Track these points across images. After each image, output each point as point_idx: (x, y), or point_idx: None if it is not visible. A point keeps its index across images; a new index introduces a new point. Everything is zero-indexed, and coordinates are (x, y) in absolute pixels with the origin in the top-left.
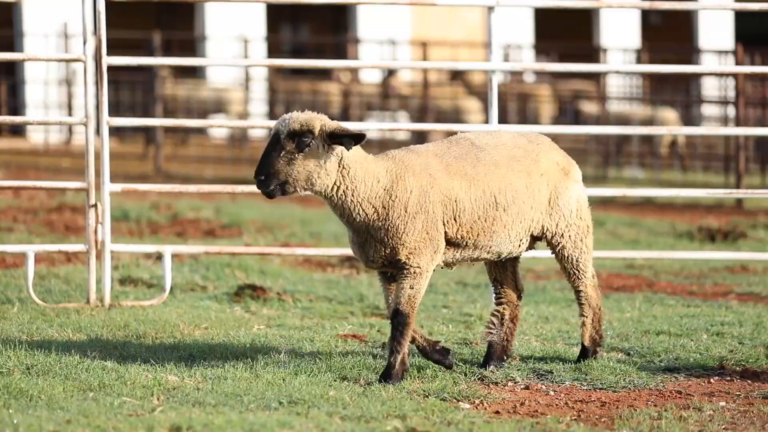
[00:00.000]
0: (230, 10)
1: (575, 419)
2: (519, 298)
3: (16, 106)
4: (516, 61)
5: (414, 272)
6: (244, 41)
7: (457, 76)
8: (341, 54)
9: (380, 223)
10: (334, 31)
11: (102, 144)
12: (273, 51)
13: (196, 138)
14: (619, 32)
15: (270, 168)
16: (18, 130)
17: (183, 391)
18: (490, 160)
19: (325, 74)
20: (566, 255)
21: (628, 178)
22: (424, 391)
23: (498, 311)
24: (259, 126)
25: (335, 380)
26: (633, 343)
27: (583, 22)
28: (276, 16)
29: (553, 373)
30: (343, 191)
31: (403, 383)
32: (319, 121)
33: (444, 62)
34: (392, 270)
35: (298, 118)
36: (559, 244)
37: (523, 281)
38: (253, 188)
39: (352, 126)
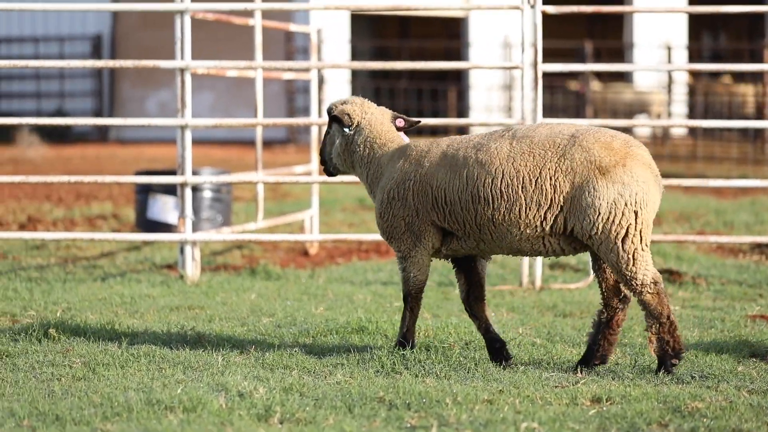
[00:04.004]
0: (656, 20)
1: None
2: (620, 302)
3: (461, 109)
4: None
5: (398, 256)
6: (668, 48)
7: None
8: (757, 59)
9: (375, 206)
10: (750, 38)
11: None
12: (693, 56)
13: None
14: None
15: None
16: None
17: (603, 366)
18: (498, 152)
19: (741, 77)
20: (603, 257)
21: None
22: None
23: (600, 312)
24: (678, 125)
25: (743, 357)
26: None
27: None
28: (697, 25)
29: None
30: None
31: None
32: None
33: None
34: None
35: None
36: (593, 245)
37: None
38: (672, 181)
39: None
